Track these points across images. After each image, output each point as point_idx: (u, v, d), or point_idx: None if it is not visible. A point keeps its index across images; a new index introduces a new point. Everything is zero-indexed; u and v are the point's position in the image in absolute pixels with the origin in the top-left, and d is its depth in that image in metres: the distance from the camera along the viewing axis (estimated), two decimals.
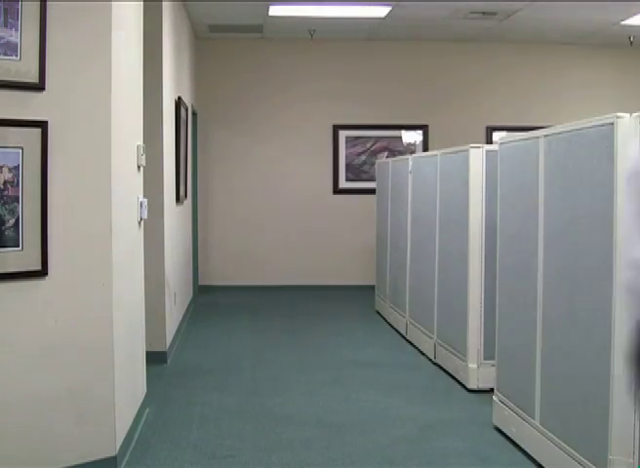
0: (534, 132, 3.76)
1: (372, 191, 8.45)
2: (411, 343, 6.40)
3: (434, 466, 3.75)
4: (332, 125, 9.47)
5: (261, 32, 8.93)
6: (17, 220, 3.20)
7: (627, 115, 2.95)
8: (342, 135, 9.49)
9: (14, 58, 3.16)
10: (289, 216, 9.45)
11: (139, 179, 4.34)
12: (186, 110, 7.47)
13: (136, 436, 4.06)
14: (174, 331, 6.27)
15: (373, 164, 9.10)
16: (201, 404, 4.74)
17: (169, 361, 5.77)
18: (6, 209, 3.17)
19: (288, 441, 4.08)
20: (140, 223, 4.35)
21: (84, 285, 3.44)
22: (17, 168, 3.19)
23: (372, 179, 8.84)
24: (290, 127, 9.45)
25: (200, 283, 9.21)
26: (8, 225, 3.18)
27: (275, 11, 7.85)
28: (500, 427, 4.15)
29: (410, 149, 9.42)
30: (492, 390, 4.35)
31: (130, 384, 4.03)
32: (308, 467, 3.74)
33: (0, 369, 3.21)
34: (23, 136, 3.20)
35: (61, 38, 3.30)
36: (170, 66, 6.20)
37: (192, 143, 8.47)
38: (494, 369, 4.36)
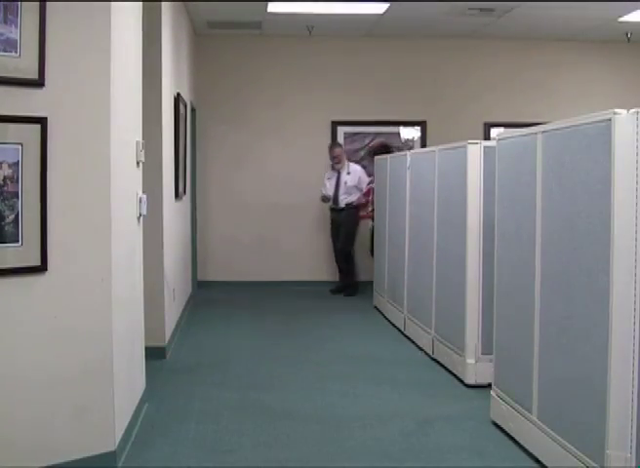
0: (531, 128, 3.77)
1: None
2: (409, 339, 6.41)
3: (432, 461, 3.76)
4: (330, 121, 9.47)
5: (260, 29, 8.93)
6: (16, 216, 3.21)
7: (624, 111, 2.96)
8: (341, 130, 9.49)
9: (13, 54, 3.17)
10: (288, 212, 9.44)
11: (138, 175, 4.34)
12: (185, 106, 7.48)
13: (135, 431, 4.07)
14: (173, 327, 6.28)
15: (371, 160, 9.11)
16: (200, 399, 4.75)
17: (168, 356, 5.79)
18: (5, 205, 3.17)
19: (286, 436, 4.09)
20: (139, 219, 4.35)
21: (83, 280, 3.45)
22: (16, 164, 3.19)
23: (370, 175, 8.85)
24: (288, 123, 9.45)
25: (199, 278, 9.21)
26: (7, 221, 3.18)
27: (274, 7, 7.85)
28: (498, 422, 4.17)
29: (408, 145, 9.43)
30: (489, 385, 4.36)
31: (129, 379, 4.05)
32: (307, 462, 3.75)
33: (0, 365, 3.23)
34: (23, 133, 3.20)
35: (61, 34, 3.31)
36: (169, 63, 6.20)
37: (191, 139, 8.47)
38: (491, 364, 4.38)
